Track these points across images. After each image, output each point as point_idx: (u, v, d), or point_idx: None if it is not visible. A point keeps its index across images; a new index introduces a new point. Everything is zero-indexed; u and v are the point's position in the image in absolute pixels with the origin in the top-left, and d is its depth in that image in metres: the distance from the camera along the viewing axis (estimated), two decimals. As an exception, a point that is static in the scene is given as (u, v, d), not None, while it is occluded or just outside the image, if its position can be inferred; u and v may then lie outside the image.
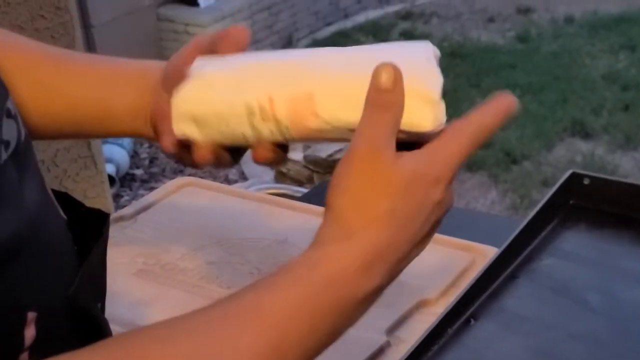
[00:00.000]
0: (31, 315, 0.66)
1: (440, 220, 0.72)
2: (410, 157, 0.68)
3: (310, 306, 0.65)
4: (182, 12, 5.28)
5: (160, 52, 5.30)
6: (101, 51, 4.85)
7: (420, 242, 0.71)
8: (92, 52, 4.73)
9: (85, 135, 0.96)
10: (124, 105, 0.90)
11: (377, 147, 0.66)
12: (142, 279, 1.27)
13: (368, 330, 1.17)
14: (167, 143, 0.85)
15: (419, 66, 0.69)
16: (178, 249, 1.32)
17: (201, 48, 0.85)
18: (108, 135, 0.97)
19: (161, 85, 0.87)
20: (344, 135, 0.72)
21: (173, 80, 0.83)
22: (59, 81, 0.91)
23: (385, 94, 0.67)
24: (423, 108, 0.69)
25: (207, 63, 0.81)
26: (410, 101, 0.68)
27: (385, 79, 0.66)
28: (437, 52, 0.73)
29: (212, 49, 0.84)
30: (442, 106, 0.70)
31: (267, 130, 0.74)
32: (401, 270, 0.71)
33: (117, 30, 4.97)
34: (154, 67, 0.92)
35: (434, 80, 0.69)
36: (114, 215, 1.45)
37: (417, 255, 0.72)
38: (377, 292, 0.69)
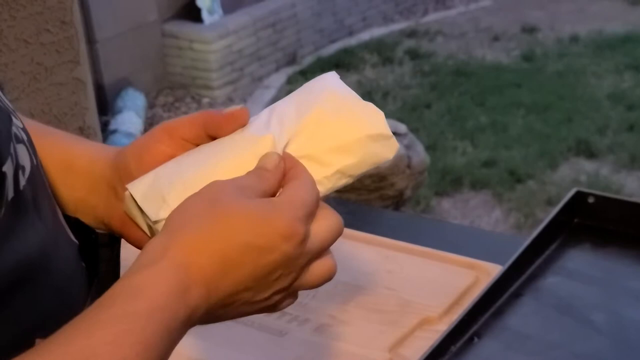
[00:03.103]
0: (39, 342, 0.66)
1: (287, 278, 0.69)
2: (260, 201, 0.68)
3: (133, 339, 0.61)
4: (187, 29, 5.29)
5: (164, 68, 5.31)
6: (105, 66, 4.87)
7: (255, 290, 0.67)
8: (96, 67, 4.74)
9: None
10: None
11: (229, 186, 0.68)
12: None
13: (371, 348, 1.16)
14: (138, 242, 0.79)
15: (362, 111, 0.75)
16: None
17: (172, 132, 0.78)
18: None
19: (117, 177, 0.79)
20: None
21: (131, 172, 0.78)
22: None
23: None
24: (383, 145, 0.75)
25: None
26: (371, 145, 0.74)
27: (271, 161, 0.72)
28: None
29: (207, 132, 0.76)
30: (392, 136, 0.75)
31: None
32: (235, 303, 0.68)
33: (122, 45, 4.98)
34: (101, 158, 0.83)
35: (379, 117, 0.75)
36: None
37: (261, 299, 0.69)
38: (198, 315, 0.65)
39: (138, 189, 0.74)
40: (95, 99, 2.03)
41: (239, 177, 0.70)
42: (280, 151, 0.73)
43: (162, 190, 0.73)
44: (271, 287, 0.68)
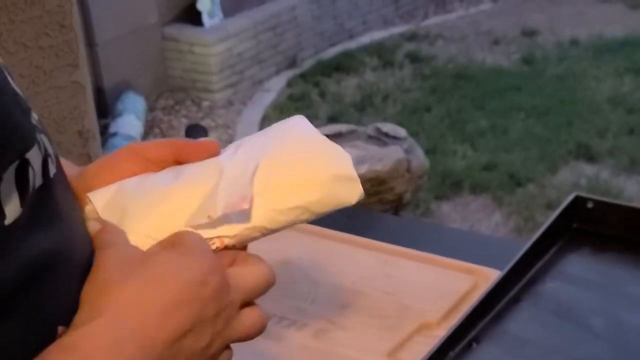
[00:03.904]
0: (61, 330, 0.66)
1: (220, 318, 0.69)
2: (166, 251, 0.69)
3: None
4: (187, 32, 5.29)
5: (164, 72, 5.32)
6: (106, 69, 4.87)
7: (192, 334, 0.67)
8: (96, 71, 4.75)
9: None
10: None
11: (120, 245, 0.69)
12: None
13: (369, 353, 1.16)
14: None
15: (329, 152, 0.75)
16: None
17: (138, 151, 0.78)
18: None
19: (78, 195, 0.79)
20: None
21: (92, 189, 0.77)
22: None
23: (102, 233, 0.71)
24: (348, 187, 0.75)
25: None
26: (336, 185, 0.74)
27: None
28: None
29: (176, 158, 0.77)
30: (358, 180, 0.75)
31: None
32: (180, 353, 0.67)
33: (122, 48, 4.98)
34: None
35: (347, 160, 0.75)
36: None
37: (203, 346, 0.68)
38: None
39: (99, 198, 0.75)
40: (96, 102, 2.04)
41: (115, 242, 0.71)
42: (248, 180, 0.72)
43: (124, 203, 0.74)
44: (208, 328, 0.68)
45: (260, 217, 0.74)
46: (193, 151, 0.76)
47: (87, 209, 0.75)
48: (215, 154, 0.76)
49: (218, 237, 0.73)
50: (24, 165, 0.63)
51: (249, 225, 0.74)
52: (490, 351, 1.11)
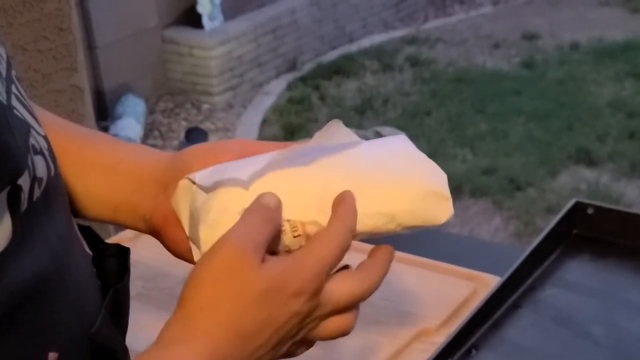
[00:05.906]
0: (52, 356, 0.65)
1: (302, 331, 0.70)
2: (273, 266, 0.68)
3: None
4: (187, 35, 5.29)
5: (164, 74, 5.31)
6: (105, 72, 4.87)
7: (272, 350, 0.69)
8: (96, 73, 4.74)
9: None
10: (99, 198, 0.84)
11: (243, 250, 0.68)
12: (141, 302, 1.26)
13: None
14: (179, 250, 0.80)
15: (427, 168, 0.76)
16: (177, 274, 1.31)
17: (249, 147, 0.78)
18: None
19: (174, 175, 0.79)
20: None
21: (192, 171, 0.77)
22: None
23: (270, 211, 0.70)
24: (439, 205, 0.76)
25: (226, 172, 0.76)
26: (428, 200, 0.75)
27: (271, 199, 0.71)
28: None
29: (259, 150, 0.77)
30: (451, 199, 0.76)
31: (297, 245, 0.75)
32: None
33: (122, 51, 4.98)
34: (152, 158, 0.83)
35: (442, 179, 0.76)
36: (113, 237, 1.44)
37: (280, 355, 0.70)
38: None
39: (202, 179, 0.74)
40: (95, 104, 2.03)
41: (251, 232, 0.69)
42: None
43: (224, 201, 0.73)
44: (287, 341, 0.69)
45: None
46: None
47: (180, 185, 0.75)
48: None
49: (300, 222, 0.73)
50: (16, 191, 0.62)
51: None
52: (490, 358, 1.11)
